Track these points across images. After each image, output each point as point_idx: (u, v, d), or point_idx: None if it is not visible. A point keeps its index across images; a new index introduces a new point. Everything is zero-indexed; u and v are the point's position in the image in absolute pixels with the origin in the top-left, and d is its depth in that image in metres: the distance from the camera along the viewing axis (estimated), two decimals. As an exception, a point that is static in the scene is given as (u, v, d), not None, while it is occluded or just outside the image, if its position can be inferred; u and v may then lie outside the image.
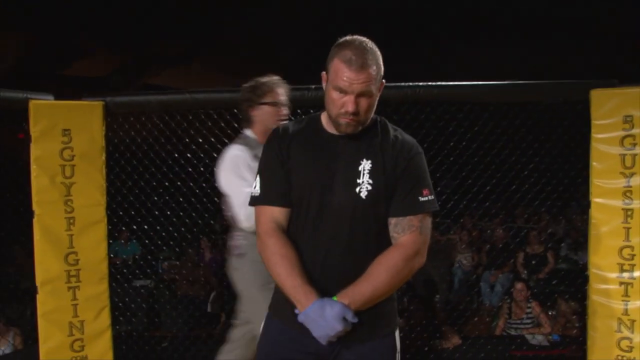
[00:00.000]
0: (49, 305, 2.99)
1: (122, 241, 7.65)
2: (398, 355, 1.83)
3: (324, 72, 1.75)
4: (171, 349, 3.87)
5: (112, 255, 3.49)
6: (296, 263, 1.70)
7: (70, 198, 3.00)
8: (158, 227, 3.55)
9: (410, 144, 1.80)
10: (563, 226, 8.69)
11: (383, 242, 1.75)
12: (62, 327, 3.01)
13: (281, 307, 1.77)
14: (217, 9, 11.33)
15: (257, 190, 1.81)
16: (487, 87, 3.12)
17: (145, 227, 3.54)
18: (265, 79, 2.65)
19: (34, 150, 2.95)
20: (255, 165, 2.41)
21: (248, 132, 2.66)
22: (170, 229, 3.56)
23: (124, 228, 3.52)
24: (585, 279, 2.92)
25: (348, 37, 1.71)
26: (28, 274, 7.25)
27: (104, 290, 3.09)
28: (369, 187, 1.71)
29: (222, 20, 11.65)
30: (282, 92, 2.64)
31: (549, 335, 4.46)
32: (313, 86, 3.00)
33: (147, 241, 3.70)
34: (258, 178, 1.82)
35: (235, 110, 3.01)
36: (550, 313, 5.15)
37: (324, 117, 1.82)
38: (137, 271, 6.07)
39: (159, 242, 3.65)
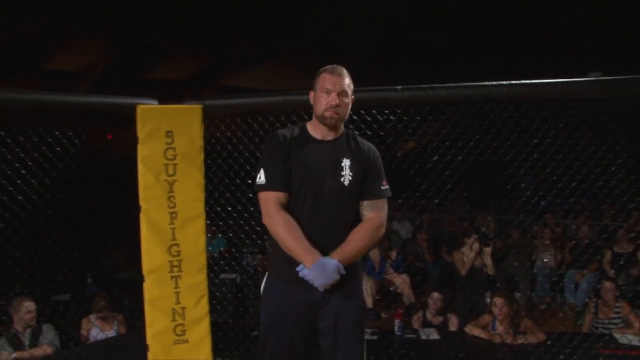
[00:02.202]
0: (154, 292, 3.20)
1: (209, 235, 7.98)
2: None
3: (311, 91, 2.40)
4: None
5: (210, 249, 3.73)
6: (301, 233, 2.28)
7: (172, 194, 3.19)
8: (253, 222, 3.76)
9: (373, 148, 2.48)
10: (654, 224, 8.33)
11: (356, 216, 2.40)
12: (165, 312, 3.21)
13: (281, 268, 2.37)
14: (292, 10, 11.51)
15: (262, 180, 2.35)
16: (574, 84, 3.02)
17: (241, 222, 3.75)
18: None
19: (141, 151, 3.17)
20: None
21: None
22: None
23: (221, 223, 3.75)
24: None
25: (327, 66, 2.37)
26: (123, 266, 7.76)
27: (203, 279, 3.26)
28: (350, 178, 2.35)
29: (297, 21, 11.82)
30: None
31: (640, 336, 4.33)
32: (399, 87, 3.05)
33: (242, 235, 3.90)
34: (263, 171, 2.36)
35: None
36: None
37: (309, 127, 2.43)
38: (233, 263, 6.34)
39: (254, 236, 3.86)
